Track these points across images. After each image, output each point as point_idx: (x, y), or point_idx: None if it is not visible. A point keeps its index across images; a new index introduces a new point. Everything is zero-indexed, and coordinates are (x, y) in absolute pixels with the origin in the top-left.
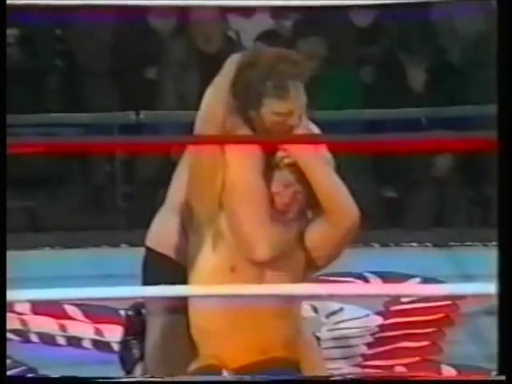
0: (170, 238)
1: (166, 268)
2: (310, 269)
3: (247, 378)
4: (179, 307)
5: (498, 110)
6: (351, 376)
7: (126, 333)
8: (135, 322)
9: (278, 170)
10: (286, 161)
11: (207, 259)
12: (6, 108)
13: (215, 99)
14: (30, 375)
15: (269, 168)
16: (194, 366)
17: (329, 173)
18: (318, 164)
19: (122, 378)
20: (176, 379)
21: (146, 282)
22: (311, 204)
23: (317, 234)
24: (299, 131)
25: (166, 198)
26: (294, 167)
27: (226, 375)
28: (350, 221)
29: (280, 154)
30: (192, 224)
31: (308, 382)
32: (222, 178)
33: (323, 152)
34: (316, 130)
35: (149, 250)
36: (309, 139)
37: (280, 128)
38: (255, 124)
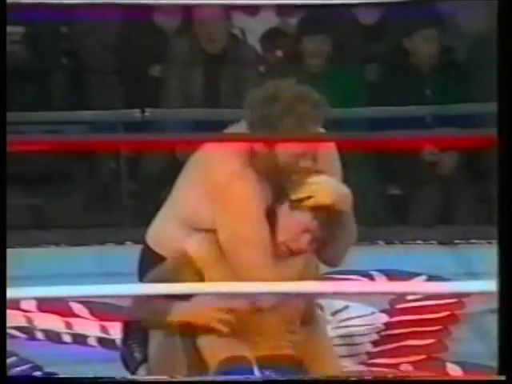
0: (168, 240)
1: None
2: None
3: (252, 377)
4: None
5: (497, 108)
6: (354, 376)
7: (126, 336)
8: (136, 323)
9: (297, 210)
10: (311, 202)
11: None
12: (5, 106)
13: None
14: (30, 375)
15: (281, 205)
16: (221, 358)
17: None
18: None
19: (117, 378)
20: (177, 379)
21: (141, 279)
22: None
23: None
24: (312, 175)
25: (169, 196)
26: (319, 210)
27: (228, 376)
28: None
29: (302, 193)
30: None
31: (310, 381)
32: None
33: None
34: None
35: (146, 247)
36: (315, 138)
37: (291, 169)
38: (267, 161)
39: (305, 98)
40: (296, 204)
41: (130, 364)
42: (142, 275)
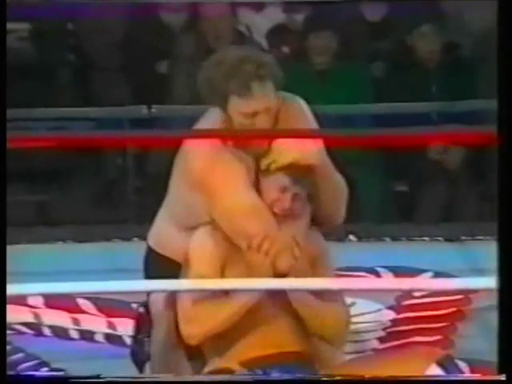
0: (169, 242)
1: (166, 268)
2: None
3: (253, 377)
4: None
5: (498, 106)
6: (355, 376)
7: (138, 330)
8: (146, 319)
9: (271, 175)
10: (276, 165)
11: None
12: (5, 102)
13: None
14: (30, 373)
15: (259, 174)
16: (207, 369)
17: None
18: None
19: (113, 377)
20: (178, 379)
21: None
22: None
23: None
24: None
25: (165, 199)
26: (287, 169)
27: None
28: None
29: (267, 159)
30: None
31: (311, 381)
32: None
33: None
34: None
35: (149, 248)
36: (319, 134)
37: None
38: (226, 125)
39: (249, 58)
40: (267, 168)
41: (139, 358)
42: (148, 276)
